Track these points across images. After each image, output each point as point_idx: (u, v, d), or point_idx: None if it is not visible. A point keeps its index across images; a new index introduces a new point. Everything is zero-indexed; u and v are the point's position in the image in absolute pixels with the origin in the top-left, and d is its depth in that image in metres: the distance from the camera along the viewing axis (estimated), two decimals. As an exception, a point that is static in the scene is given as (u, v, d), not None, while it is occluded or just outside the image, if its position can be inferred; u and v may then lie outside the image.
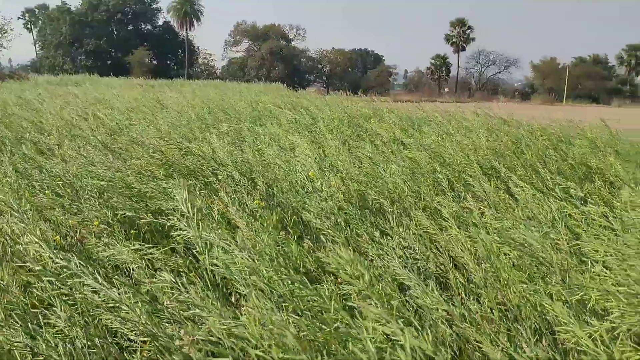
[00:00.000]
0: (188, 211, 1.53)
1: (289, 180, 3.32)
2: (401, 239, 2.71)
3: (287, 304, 1.66)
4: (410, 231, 2.76)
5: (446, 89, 63.24)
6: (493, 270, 1.97)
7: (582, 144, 5.37)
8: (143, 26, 62.98)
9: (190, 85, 22.40)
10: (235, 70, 63.87)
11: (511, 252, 2.04)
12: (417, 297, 1.85)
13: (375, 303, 1.22)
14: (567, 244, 2.28)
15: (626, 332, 1.55)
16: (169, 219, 1.90)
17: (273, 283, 1.66)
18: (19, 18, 62.45)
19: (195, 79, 43.44)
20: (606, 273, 1.60)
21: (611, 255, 1.99)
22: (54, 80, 26.29)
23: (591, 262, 1.84)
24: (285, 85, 33.30)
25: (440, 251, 2.54)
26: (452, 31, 61.65)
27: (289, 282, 1.68)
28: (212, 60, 69.60)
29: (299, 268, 2.20)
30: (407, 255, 2.63)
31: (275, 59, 60.77)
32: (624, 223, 2.55)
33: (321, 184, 2.81)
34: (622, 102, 45.08)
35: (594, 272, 1.64)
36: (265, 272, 1.78)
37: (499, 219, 2.74)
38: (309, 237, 2.78)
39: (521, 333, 1.83)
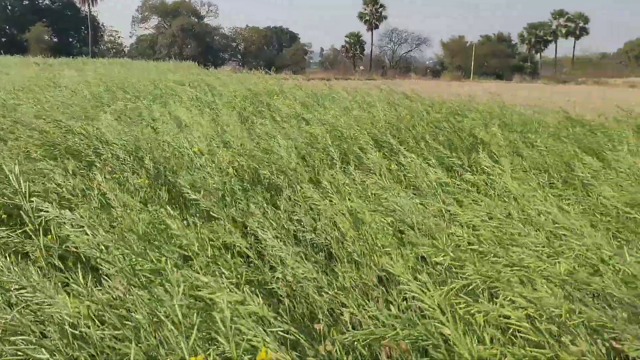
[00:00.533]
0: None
1: (177, 157, 3.23)
2: (290, 213, 2.73)
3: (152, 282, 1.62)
4: (300, 204, 2.78)
5: (361, 67, 64.07)
6: (366, 237, 2.02)
7: (475, 116, 5.63)
8: (40, 1, 58.60)
9: (94, 64, 21.24)
10: (145, 49, 61.18)
11: (384, 219, 2.10)
12: (292, 268, 1.86)
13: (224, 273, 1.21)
14: (445, 210, 2.39)
15: (480, 287, 1.64)
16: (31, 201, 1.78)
17: (136, 261, 1.60)
18: None
19: (101, 58, 41.14)
20: (461, 234, 1.69)
21: (477, 218, 2.10)
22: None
23: (454, 225, 1.93)
24: (197, 63, 32.34)
25: (326, 222, 2.57)
26: (365, 9, 62.32)
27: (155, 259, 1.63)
28: (120, 37, 66.30)
29: (177, 245, 2.15)
30: (296, 228, 2.65)
31: (187, 36, 58.86)
32: (495, 189, 2.71)
33: (205, 160, 2.75)
34: (523, 78, 47.79)
35: (450, 233, 1.72)
36: (133, 249, 1.72)
37: (385, 188, 2.82)
38: (198, 215, 2.74)
39: (393, 296, 1.90)
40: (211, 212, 2.54)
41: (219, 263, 1.26)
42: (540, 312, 1.32)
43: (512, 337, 1.22)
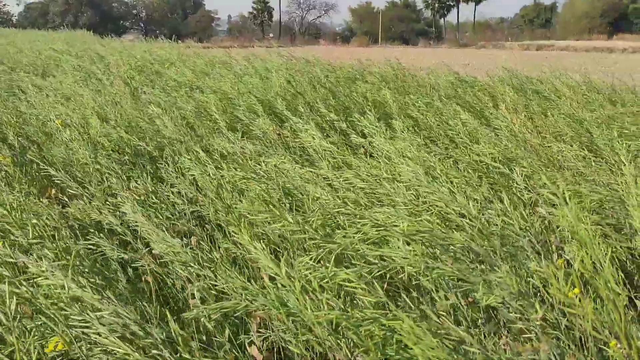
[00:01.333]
0: None
1: (45, 132, 2.97)
2: (172, 185, 2.60)
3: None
4: (184, 176, 2.65)
5: (271, 34, 63.07)
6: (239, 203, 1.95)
7: (373, 80, 5.68)
8: None
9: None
10: (36, 18, 56.54)
11: (259, 186, 2.03)
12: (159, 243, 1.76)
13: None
14: (334, 174, 2.36)
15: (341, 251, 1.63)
16: None
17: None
18: None
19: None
20: (329, 198, 1.66)
21: (350, 181, 2.09)
22: None
23: (325, 189, 1.90)
24: (94, 32, 30.15)
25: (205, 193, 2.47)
26: (272, -26, 61.06)
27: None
28: (5, 5, 60.80)
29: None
30: (180, 201, 2.53)
31: (82, 3, 54.99)
32: (375, 150, 2.72)
33: (72, 134, 2.53)
34: (428, 43, 49.12)
35: (318, 197, 1.68)
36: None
37: (266, 154, 2.76)
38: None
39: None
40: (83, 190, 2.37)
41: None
42: (396, 270, 1.31)
43: (357, 301, 1.20)
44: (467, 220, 1.55)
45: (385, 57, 7.22)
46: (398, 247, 1.30)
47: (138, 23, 63.77)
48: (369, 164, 2.34)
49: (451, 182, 1.73)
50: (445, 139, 3.32)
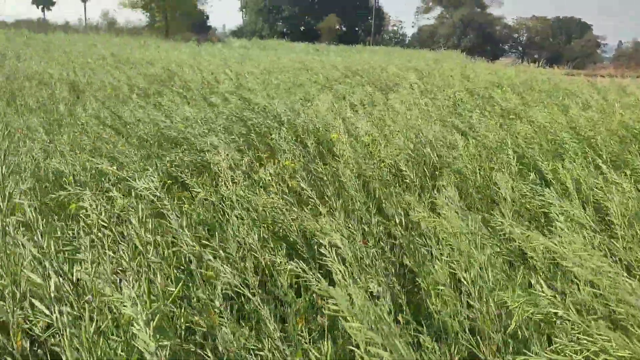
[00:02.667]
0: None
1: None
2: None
3: None
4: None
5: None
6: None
7: None
8: (336, -8, 64.57)
9: (362, 52, 22.55)
10: (425, 39, 62.35)
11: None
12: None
13: None
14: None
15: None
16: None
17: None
18: (232, -12, 68.36)
19: (383, 46, 43.29)
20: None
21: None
22: (246, 44, 28.51)
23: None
24: (469, 54, 31.25)
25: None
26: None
27: None
28: (402, 28, 69.09)
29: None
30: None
31: (467, 26, 57.99)
32: None
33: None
34: None
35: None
36: None
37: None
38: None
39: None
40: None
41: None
42: None
43: None
44: None
45: None
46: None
47: (517, 47, 63.63)
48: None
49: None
50: None
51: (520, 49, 62.95)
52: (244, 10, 64.76)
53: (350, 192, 2.34)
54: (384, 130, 3.45)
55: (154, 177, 1.77)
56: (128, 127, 3.74)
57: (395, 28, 69.22)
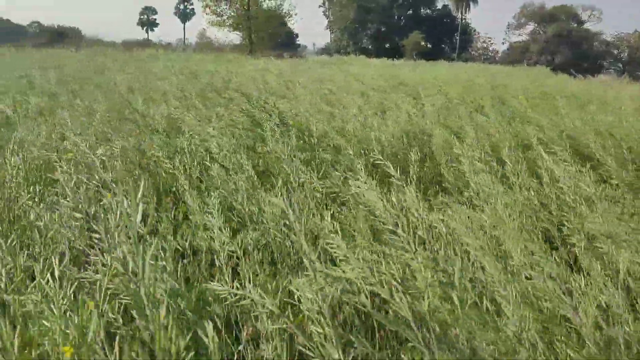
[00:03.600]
0: None
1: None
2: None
3: None
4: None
5: None
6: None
7: None
8: (422, 10, 63.89)
9: (438, 66, 22.06)
10: (516, 55, 59.86)
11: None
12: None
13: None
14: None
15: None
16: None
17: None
18: (319, 6, 69.81)
19: (470, 62, 42.00)
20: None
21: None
22: (325, 60, 28.85)
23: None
24: (562, 71, 29.22)
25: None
26: None
27: None
28: (492, 44, 67.08)
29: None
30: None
31: (561, 42, 55.17)
32: None
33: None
34: None
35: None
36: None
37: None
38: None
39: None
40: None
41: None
42: None
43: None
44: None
45: None
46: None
47: (616, 63, 59.64)
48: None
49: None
50: None
51: (621, 65, 58.89)
52: (330, 28, 65.77)
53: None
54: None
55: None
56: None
57: (485, 44, 67.30)
